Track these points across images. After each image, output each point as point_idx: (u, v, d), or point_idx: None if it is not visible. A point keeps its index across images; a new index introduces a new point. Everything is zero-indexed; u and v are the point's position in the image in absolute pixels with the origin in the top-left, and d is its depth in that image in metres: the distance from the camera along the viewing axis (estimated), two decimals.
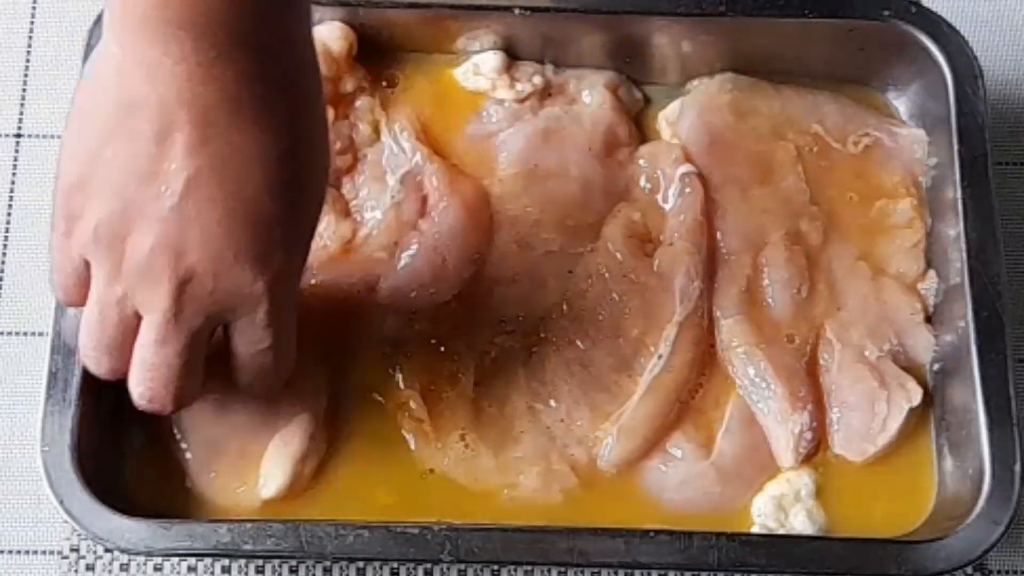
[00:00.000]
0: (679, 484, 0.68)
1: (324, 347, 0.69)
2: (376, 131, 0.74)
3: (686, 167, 0.73)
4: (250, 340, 0.59)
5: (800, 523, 0.67)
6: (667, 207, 0.73)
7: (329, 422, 0.68)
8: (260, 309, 0.57)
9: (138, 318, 0.57)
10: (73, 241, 0.56)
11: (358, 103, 0.74)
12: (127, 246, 0.55)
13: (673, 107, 0.75)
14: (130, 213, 0.54)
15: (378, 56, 0.75)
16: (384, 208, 0.72)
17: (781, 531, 0.67)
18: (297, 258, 0.59)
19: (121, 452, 0.67)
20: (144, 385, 0.58)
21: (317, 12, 0.72)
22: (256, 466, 0.67)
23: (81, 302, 0.58)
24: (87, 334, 0.58)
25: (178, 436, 0.67)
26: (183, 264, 0.55)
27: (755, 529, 0.68)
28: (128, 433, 0.68)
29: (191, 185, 0.53)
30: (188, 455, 0.67)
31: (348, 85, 0.74)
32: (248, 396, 0.64)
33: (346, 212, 0.73)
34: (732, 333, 0.70)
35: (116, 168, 0.54)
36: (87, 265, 0.57)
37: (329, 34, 0.73)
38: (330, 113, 0.71)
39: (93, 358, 0.59)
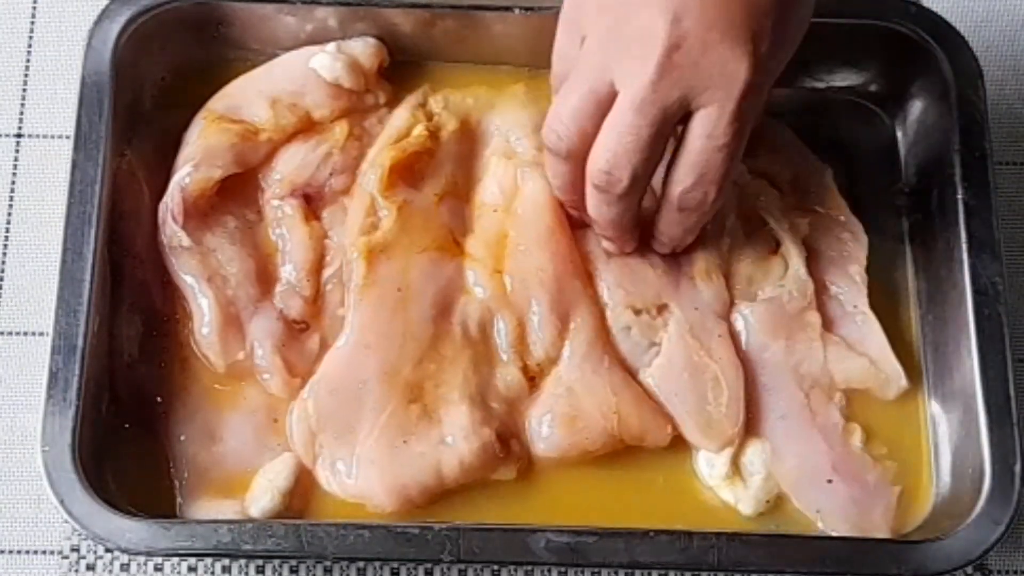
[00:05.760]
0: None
1: None
2: None
3: None
4: (707, 132, 0.60)
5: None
6: None
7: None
8: (731, 97, 0.59)
9: (612, 96, 0.60)
10: (579, 12, 0.62)
11: (374, 128, 0.73)
12: (626, 11, 0.59)
13: None
14: None
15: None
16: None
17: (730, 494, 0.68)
18: (775, 61, 0.60)
19: (121, 452, 0.67)
20: (609, 151, 0.61)
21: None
22: (243, 497, 0.66)
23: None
24: (560, 103, 0.62)
25: (169, 464, 0.67)
26: (677, 29, 0.58)
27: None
28: (128, 433, 0.68)
29: None
30: (177, 482, 0.67)
31: (368, 100, 0.73)
32: (668, 240, 0.67)
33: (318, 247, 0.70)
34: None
35: None
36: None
37: (363, 50, 0.73)
38: (344, 130, 0.72)
39: (557, 130, 0.62)
